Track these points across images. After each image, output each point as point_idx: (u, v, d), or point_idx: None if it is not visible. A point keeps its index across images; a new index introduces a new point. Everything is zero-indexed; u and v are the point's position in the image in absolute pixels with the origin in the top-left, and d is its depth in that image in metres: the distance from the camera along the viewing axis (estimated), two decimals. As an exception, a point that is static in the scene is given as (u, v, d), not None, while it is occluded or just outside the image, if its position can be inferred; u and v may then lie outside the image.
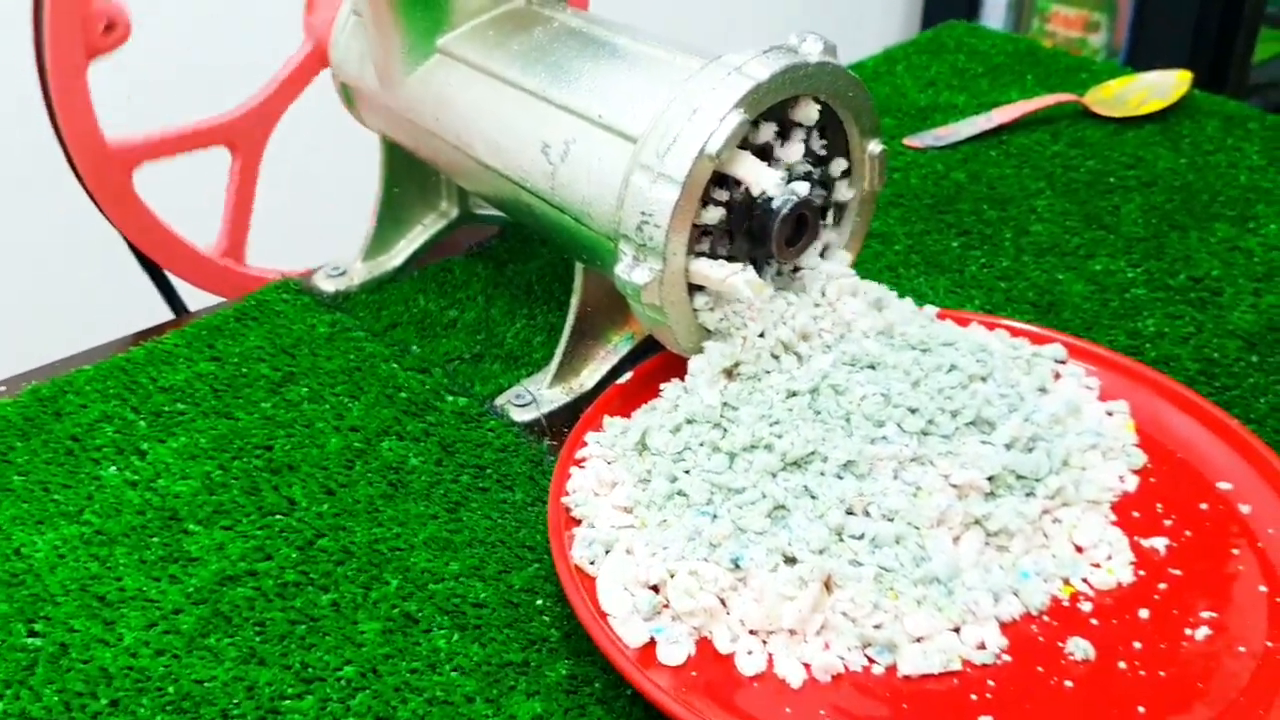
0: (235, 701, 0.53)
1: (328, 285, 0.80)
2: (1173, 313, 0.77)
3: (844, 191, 0.66)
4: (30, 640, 0.56)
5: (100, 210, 0.75)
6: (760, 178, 0.59)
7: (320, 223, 0.89)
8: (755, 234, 0.62)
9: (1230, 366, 0.72)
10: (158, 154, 0.77)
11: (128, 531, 0.62)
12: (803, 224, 0.62)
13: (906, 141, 0.99)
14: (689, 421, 0.60)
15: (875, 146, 0.64)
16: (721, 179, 0.60)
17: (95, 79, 0.71)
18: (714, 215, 0.60)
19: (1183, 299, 0.79)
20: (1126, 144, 0.98)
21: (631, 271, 0.59)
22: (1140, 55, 2.04)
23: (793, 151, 0.62)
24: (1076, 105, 1.03)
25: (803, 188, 0.60)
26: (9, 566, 0.60)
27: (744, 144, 0.60)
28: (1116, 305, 0.78)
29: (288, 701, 0.53)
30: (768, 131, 0.61)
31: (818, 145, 0.63)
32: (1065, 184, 0.92)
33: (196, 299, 0.84)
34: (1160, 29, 2.00)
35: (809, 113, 0.61)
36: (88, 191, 0.74)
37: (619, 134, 0.60)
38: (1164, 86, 1.03)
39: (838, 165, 0.65)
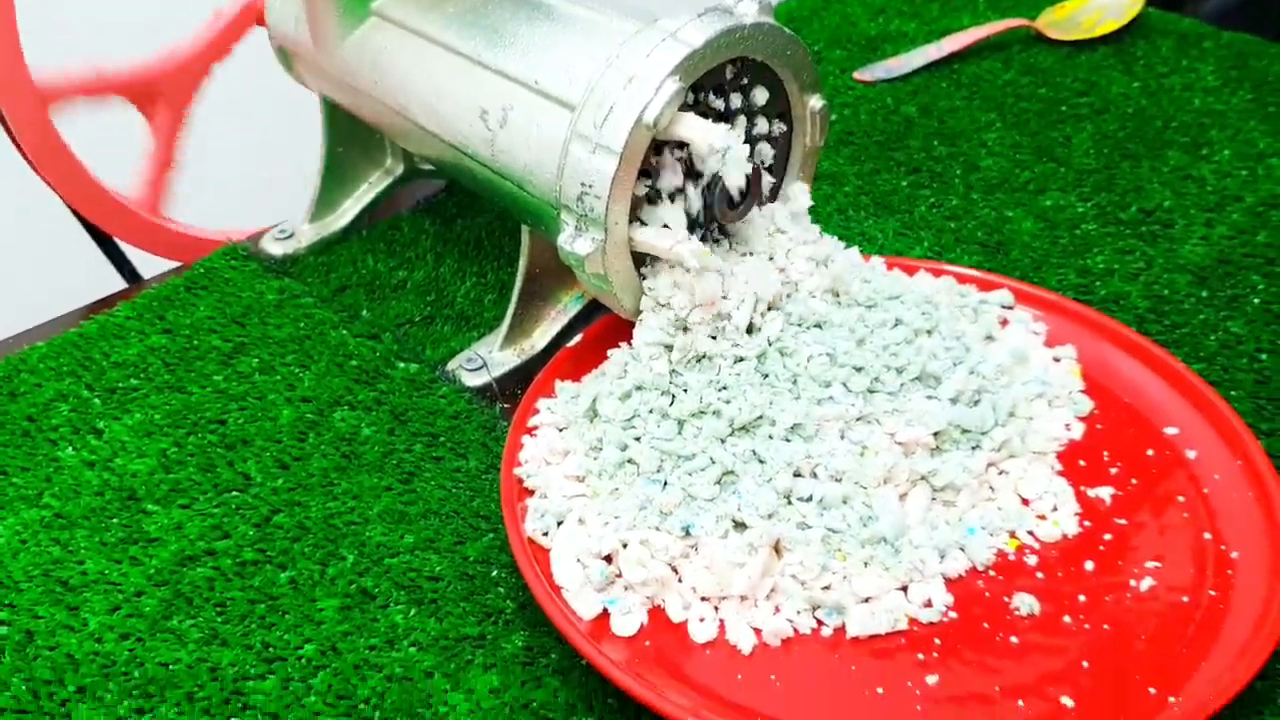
0: (200, 684, 0.54)
1: (276, 249, 0.80)
2: (1123, 248, 0.77)
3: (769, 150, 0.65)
4: (-5, 629, 0.57)
5: (26, 159, 0.74)
6: (708, 135, 0.58)
7: (266, 180, 0.88)
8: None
9: (1180, 303, 0.72)
10: (81, 93, 0.75)
11: (87, 514, 0.62)
12: (745, 185, 0.61)
13: (857, 75, 0.98)
14: (638, 388, 0.60)
15: (816, 102, 0.63)
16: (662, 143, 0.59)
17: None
18: (667, 181, 0.60)
19: (1133, 233, 0.79)
20: (1079, 69, 0.97)
21: (574, 242, 0.59)
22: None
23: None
24: (1029, 30, 1.02)
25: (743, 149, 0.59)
26: (-31, 556, 0.60)
27: (684, 107, 0.59)
28: (1066, 242, 0.78)
29: (250, 682, 0.54)
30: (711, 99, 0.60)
31: (756, 102, 0.63)
32: (1016, 115, 0.92)
33: (149, 266, 0.84)
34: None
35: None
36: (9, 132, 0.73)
37: (557, 101, 0.59)
38: (1118, 6, 1.02)
39: (778, 124, 0.64)
